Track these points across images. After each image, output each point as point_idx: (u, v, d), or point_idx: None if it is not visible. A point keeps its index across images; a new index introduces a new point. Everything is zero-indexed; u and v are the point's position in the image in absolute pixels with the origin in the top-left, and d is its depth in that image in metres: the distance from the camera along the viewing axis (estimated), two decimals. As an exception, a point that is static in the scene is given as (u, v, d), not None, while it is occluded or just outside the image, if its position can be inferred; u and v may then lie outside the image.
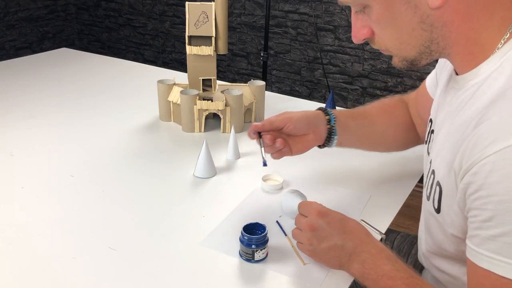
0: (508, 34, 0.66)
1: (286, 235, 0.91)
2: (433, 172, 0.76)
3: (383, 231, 0.94)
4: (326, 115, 0.99)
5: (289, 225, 0.95)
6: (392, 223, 0.98)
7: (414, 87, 2.58)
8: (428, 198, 0.78)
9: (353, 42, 2.67)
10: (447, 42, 0.70)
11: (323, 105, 1.03)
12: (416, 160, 1.21)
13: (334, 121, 0.99)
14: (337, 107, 1.45)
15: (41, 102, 1.57)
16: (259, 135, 0.94)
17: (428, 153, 0.84)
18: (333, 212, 0.81)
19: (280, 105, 1.59)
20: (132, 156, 1.23)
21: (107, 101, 1.61)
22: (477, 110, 0.65)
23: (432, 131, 0.84)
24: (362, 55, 2.67)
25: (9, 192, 1.05)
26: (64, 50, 2.22)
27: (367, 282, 0.76)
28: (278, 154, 0.96)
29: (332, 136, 0.99)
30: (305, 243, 0.80)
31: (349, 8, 2.81)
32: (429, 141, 0.86)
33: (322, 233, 0.79)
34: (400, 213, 1.02)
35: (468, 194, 0.63)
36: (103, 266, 0.83)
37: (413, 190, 1.10)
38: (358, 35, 0.76)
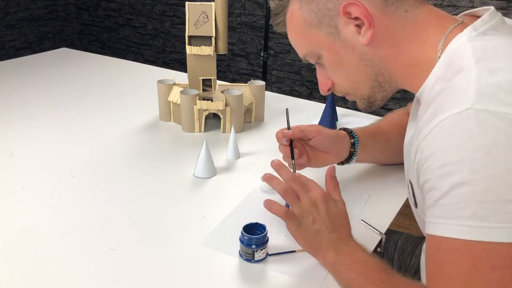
0: (442, 44, 0.71)
1: (285, 236, 0.90)
2: (409, 181, 0.79)
3: (383, 231, 0.93)
4: (351, 138, 1.06)
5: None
6: (392, 223, 0.98)
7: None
8: (410, 199, 0.81)
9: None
10: (390, 71, 0.77)
11: (344, 126, 1.09)
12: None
13: (357, 144, 1.05)
14: (341, 108, 1.45)
15: (41, 102, 1.57)
16: (290, 143, 1.00)
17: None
18: (339, 203, 0.84)
19: (280, 105, 1.59)
20: (132, 156, 1.23)
21: (107, 101, 1.61)
22: (426, 113, 0.69)
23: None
24: (362, 55, 2.67)
25: (9, 192, 1.05)
26: (64, 50, 2.22)
27: (339, 268, 0.76)
28: (297, 167, 1.01)
29: (353, 157, 1.07)
30: (298, 216, 0.81)
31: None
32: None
33: (320, 214, 0.81)
34: (400, 213, 1.02)
35: (418, 171, 0.67)
36: (103, 266, 0.83)
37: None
38: (323, 87, 0.86)
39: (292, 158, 0.98)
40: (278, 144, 1.03)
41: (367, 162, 1.15)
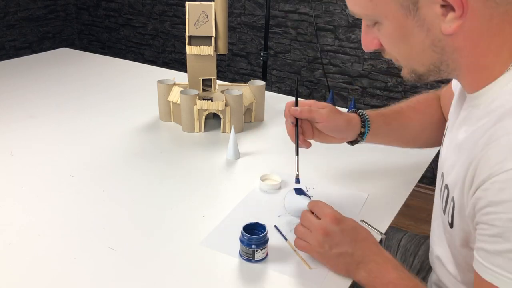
0: None
1: (286, 239, 0.90)
2: (446, 187, 0.76)
3: (383, 231, 0.93)
4: (362, 127, 1.01)
5: (289, 227, 0.95)
6: (392, 223, 0.98)
7: (414, 87, 2.58)
8: (444, 212, 0.78)
9: (353, 42, 2.67)
10: (456, 65, 0.70)
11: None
12: (416, 159, 1.21)
13: (366, 134, 1.02)
14: (340, 108, 1.45)
15: (41, 102, 1.57)
16: (296, 122, 0.96)
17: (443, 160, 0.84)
18: (347, 220, 0.83)
19: (280, 105, 1.59)
20: (132, 156, 1.23)
21: (107, 101, 1.61)
22: (485, 128, 0.65)
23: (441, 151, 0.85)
24: (362, 55, 2.67)
25: (9, 192, 1.05)
26: (64, 50, 2.22)
27: None
28: (302, 145, 0.99)
29: (358, 143, 1.04)
30: (315, 246, 0.81)
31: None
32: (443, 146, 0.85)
33: (335, 239, 0.80)
34: (400, 213, 1.02)
35: (477, 208, 0.63)
36: (103, 266, 0.83)
37: (413, 190, 1.10)
38: (368, 45, 0.77)
39: (297, 140, 0.95)
40: (277, 144, 1.03)
41: (380, 144, 1.10)
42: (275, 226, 0.94)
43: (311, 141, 1.01)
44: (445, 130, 0.88)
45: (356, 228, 0.83)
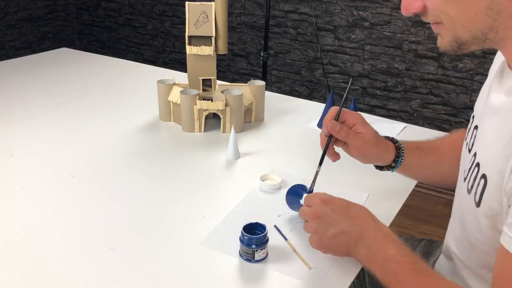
0: None
1: (286, 239, 0.90)
2: (477, 165, 0.74)
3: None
4: (394, 162, 0.98)
5: (289, 227, 0.95)
6: (392, 223, 0.98)
7: (414, 87, 2.58)
8: (469, 192, 0.75)
9: (353, 42, 2.67)
10: (507, 33, 0.67)
11: (380, 132, 1.00)
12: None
13: (397, 167, 0.99)
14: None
15: (41, 102, 1.57)
16: (329, 137, 0.93)
17: (469, 150, 0.81)
18: (336, 199, 0.82)
19: (280, 105, 1.59)
20: (132, 156, 1.23)
21: (107, 101, 1.61)
22: None
23: (476, 127, 0.81)
24: (362, 55, 2.67)
25: (9, 192, 1.05)
26: (64, 50, 2.22)
27: (374, 267, 0.76)
28: (333, 158, 0.96)
29: (385, 170, 1.01)
30: (312, 234, 0.81)
31: (348, 8, 2.80)
32: (472, 137, 0.82)
33: (327, 220, 0.79)
34: (400, 213, 1.02)
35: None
36: (103, 266, 0.83)
37: (413, 190, 1.10)
38: (409, 7, 0.72)
39: (324, 153, 0.93)
40: (277, 144, 1.02)
41: (407, 176, 1.06)
42: (275, 226, 0.94)
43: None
44: (470, 124, 0.85)
45: (347, 205, 0.81)
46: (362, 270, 0.84)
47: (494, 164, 0.69)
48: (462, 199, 0.81)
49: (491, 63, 0.86)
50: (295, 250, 0.87)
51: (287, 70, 2.95)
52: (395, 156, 0.98)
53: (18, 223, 0.94)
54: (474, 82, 2.45)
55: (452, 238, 0.87)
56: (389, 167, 1.00)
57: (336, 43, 2.73)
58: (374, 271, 0.77)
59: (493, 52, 0.82)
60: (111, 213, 0.98)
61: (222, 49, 1.38)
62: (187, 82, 1.43)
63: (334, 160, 0.96)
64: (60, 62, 2.02)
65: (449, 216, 0.90)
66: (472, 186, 0.75)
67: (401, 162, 0.98)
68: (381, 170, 1.02)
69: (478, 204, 0.72)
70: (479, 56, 2.36)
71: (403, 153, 0.98)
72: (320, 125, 1.43)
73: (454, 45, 0.71)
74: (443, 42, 0.72)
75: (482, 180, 0.71)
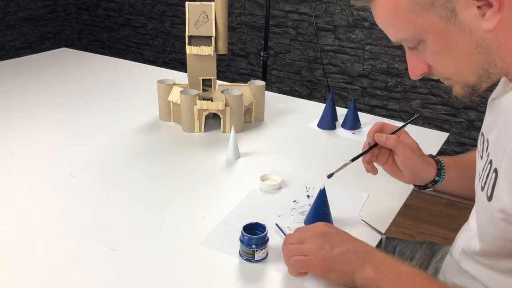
0: None
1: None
2: (490, 162, 0.75)
3: (383, 231, 0.93)
4: (437, 176, 0.97)
5: (290, 225, 0.95)
6: (392, 223, 0.98)
7: (414, 87, 2.58)
8: (483, 189, 0.76)
9: (353, 42, 2.67)
10: (505, 61, 0.71)
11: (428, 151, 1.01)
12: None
13: (437, 184, 0.98)
14: (340, 108, 1.45)
15: (41, 102, 1.57)
16: (372, 146, 0.94)
17: (481, 157, 0.82)
18: (338, 228, 0.83)
19: (280, 105, 1.59)
20: (132, 156, 1.23)
21: (107, 101, 1.61)
22: None
23: (487, 140, 0.82)
24: (362, 55, 2.67)
25: (9, 192, 1.05)
26: (64, 50, 2.22)
27: (384, 284, 0.74)
28: (370, 168, 0.98)
29: (428, 188, 1.00)
30: (316, 251, 0.78)
31: (348, 8, 2.80)
32: (483, 149, 0.83)
33: (334, 239, 0.79)
34: (400, 213, 1.02)
35: None
36: (103, 266, 0.83)
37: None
38: (415, 71, 0.78)
39: (356, 158, 0.94)
40: (277, 144, 1.02)
41: (448, 193, 1.04)
42: (276, 224, 0.94)
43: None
44: (480, 140, 0.86)
45: (349, 234, 0.82)
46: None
47: (500, 156, 0.70)
48: (477, 200, 0.81)
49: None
50: None
51: (287, 70, 2.95)
52: (437, 170, 0.97)
53: (18, 223, 0.94)
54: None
55: (463, 238, 0.87)
56: (433, 182, 0.98)
57: (336, 43, 2.73)
58: None
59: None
60: (111, 213, 0.98)
61: (222, 49, 1.38)
62: (187, 82, 1.43)
63: (374, 173, 0.98)
64: (60, 62, 2.02)
65: (449, 216, 0.90)
66: (485, 183, 0.76)
67: (443, 175, 0.97)
68: (424, 189, 1.00)
69: (490, 198, 0.73)
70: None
71: (444, 166, 0.98)
72: (320, 125, 1.43)
73: (467, 90, 0.76)
74: (458, 91, 0.77)
75: (494, 174, 0.72)
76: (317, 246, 0.78)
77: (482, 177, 0.78)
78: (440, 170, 0.98)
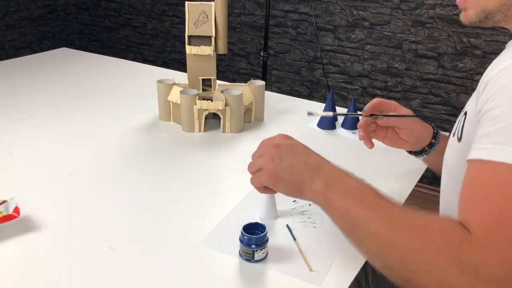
0: None
1: (295, 239, 0.90)
2: (465, 113, 0.77)
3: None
4: (433, 138, 1.04)
5: (290, 225, 0.95)
6: (392, 223, 0.98)
7: (414, 87, 2.58)
8: (454, 134, 0.80)
9: (353, 42, 2.67)
10: None
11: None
12: (417, 159, 1.21)
13: (437, 143, 1.04)
14: (340, 108, 1.45)
15: (41, 102, 1.57)
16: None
17: (453, 134, 0.84)
18: (297, 140, 0.82)
19: (280, 105, 1.59)
20: (132, 156, 1.23)
21: (107, 101, 1.61)
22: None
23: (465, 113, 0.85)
24: (362, 55, 2.67)
25: (9, 192, 1.05)
26: (64, 50, 2.22)
27: (333, 196, 0.72)
28: (366, 137, 1.02)
29: (423, 154, 1.06)
30: (267, 163, 0.77)
31: (348, 8, 2.80)
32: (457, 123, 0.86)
33: (287, 151, 0.78)
34: (400, 213, 1.02)
35: (482, 101, 0.66)
36: (103, 266, 0.83)
37: (413, 190, 1.10)
38: None
39: (341, 114, 0.99)
40: None
41: (436, 170, 1.05)
42: (287, 225, 0.94)
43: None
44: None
45: (307, 147, 0.80)
46: (363, 270, 0.84)
47: (471, 100, 0.73)
48: (448, 147, 0.84)
49: (491, 63, 0.87)
50: (301, 251, 0.87)
51: (287, 70, 2.95)
52: (433, 133, 1.04)
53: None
54: (474, 82, 2.44)
55: (442, 198, 0.88)
56: (429, 146, 1.04)
57: (336, 43, 2.73)
58: (331, 202, 0.72)
59: (494, 52, 0.84)
60: (110, 213, 0.98)
61: (222, 49, 1.38)
62: (187, 82, 1.43)
63: (370, 147, 1.02)
64: (60, 62, 2.02)
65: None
66: (456, 128, 0.79)
67: (438, 139, 1.03)
68: (417, 155, 1.06)
69: (460, 139, 0.76)
70: (479, 56, 2.36)
71: (438, 131, 1.04)
72: (320, 125, 1.43)
73: (482, 15, 0.75)
74: (470, 14, 0.77)
75: (463, 117, 0.76)
76: (269, 158, 0.77)
77: (454, 132, 0.82)
78: (436, 133, 1.04)
